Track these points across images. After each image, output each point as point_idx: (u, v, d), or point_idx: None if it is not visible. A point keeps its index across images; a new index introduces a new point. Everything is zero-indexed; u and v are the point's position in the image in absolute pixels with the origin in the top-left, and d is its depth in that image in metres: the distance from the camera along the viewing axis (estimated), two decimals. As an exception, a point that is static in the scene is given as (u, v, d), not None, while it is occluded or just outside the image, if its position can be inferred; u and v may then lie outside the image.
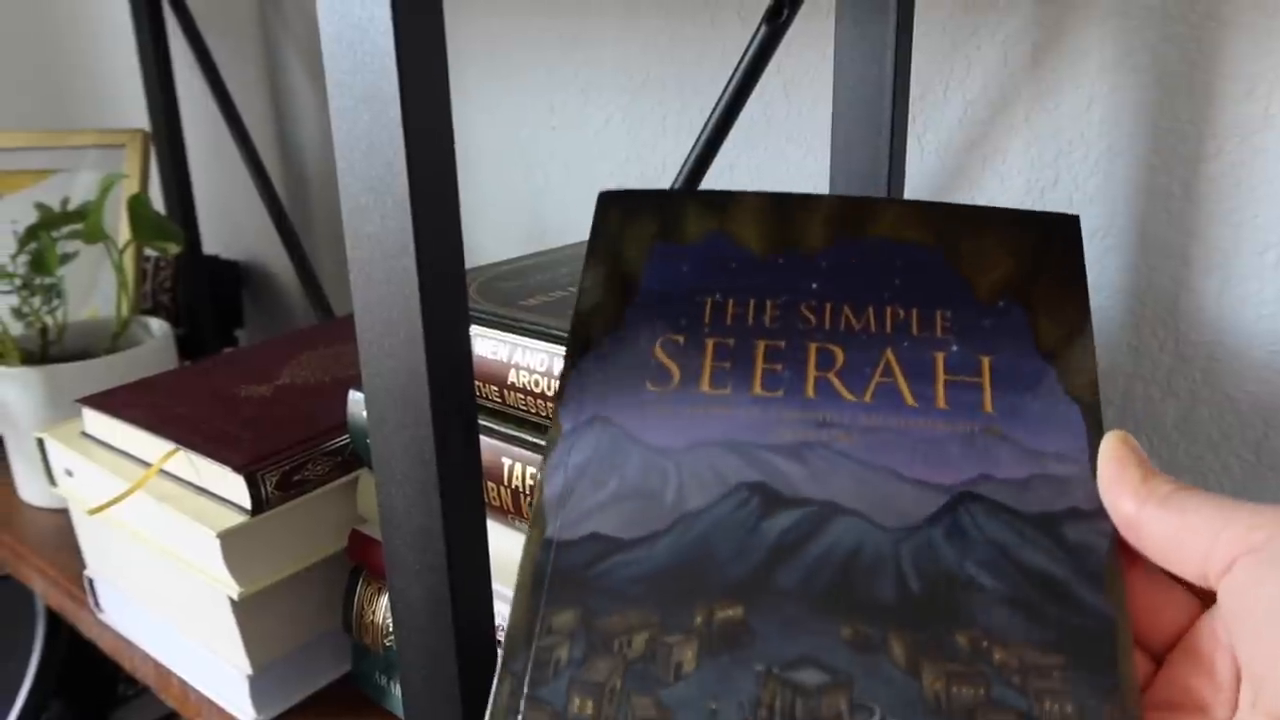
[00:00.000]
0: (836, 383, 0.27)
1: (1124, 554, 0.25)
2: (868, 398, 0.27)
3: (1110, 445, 0.25)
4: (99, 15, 1.20)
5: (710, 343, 0.28)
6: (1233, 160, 0.47)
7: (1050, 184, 0.53)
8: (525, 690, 0.22)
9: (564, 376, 0.28)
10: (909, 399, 0.27)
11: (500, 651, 0.24)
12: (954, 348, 0.28)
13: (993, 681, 0.22)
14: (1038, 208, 0.54)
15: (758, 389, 0.27)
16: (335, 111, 0.28)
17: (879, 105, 0.48)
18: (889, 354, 0.28)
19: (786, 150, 0.63)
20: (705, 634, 0.23)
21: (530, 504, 0.40)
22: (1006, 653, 0.22)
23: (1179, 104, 0.48)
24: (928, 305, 0.29)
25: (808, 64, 0.61)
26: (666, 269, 0.30)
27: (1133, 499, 0.24)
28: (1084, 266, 0.29)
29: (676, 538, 0.24)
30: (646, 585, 0.24)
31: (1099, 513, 0.25)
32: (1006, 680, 0.22)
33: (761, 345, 0.28)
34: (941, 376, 0.27)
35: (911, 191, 0.55)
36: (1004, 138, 0.54)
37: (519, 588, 0.24)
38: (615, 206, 0.32)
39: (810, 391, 0.27)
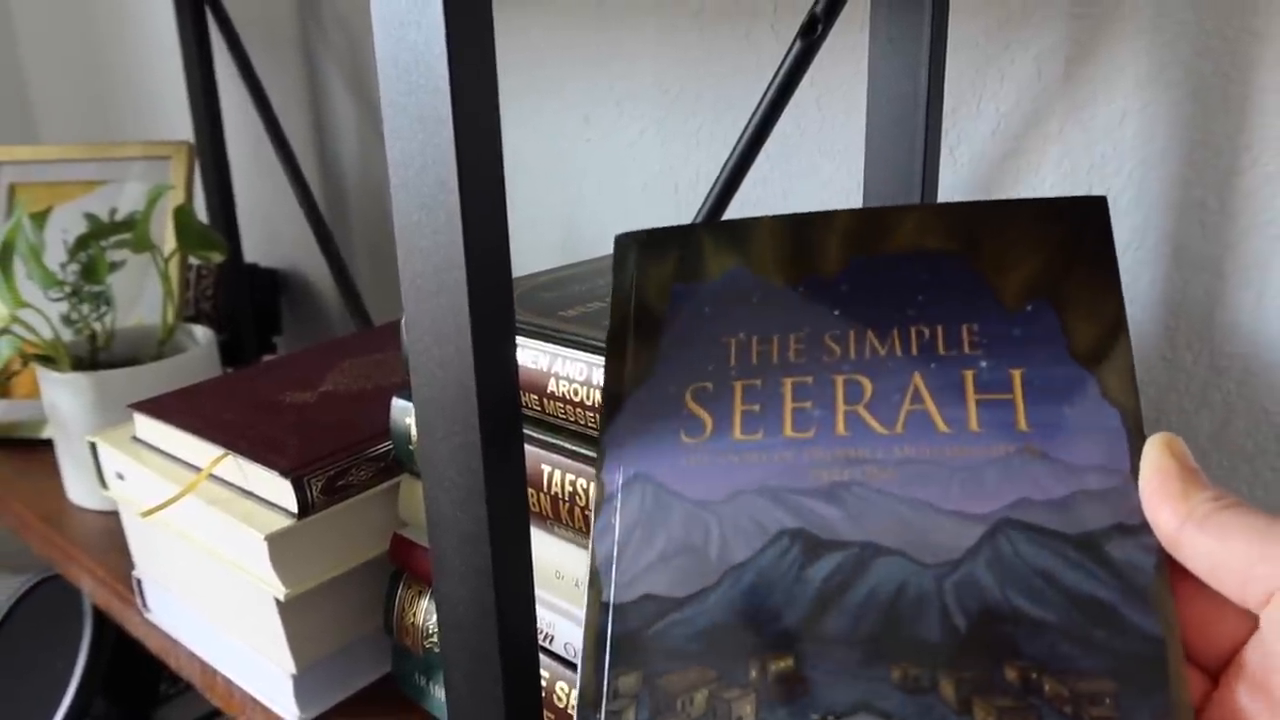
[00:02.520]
0: (866, 416, 0.27)
1: (1172, 567, 0.24)
2: (899, 428, 0.27)
3: (1152, 454, 0.25)
4: (145, 30, 1.23)
5: (738, 386, 0.28)
6: (1268, 173, 0.47)
7: (1083, 196, 0.53)
8: None
9: (601, 432, 0.29)
10: (941, 425, 0.26)
11: (575, 715, 0.25)
12: (983, 364, 0.27)
13: (1045, 714, 0.22)
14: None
15: (789, 430, 0.27)
16: (389, 132, 0.29)
17: (913, 118, 0.48)
18: (917, 378, 0.27)
19: (819, 162, 0.64)
20: (761, 687, 0.23)
21: (569, 509, 0.41)
22: (1057, 683, 0.22)
23: (1213, 118, 0.48)
24: (953, 319, 0.28)
25: (841, 77, 0.61)
26: (689, 311, 0.30)
27: (1173, 515, 0.23)
28: (1114, 253, 0.28)
29: (725, 592, 0.25)
30: (701, 642, 0.24)
31: (1144, 526, 0.24)
32: (1059, 711, 0.22)
33: (789, 383, 0.28)
34: (973, 396, 0.27)
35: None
36: (1037, 151, 0.55)
37: (584, 652, 0.25)
38: (632, 249, 0.31)
39: (841, 428, 0.27)
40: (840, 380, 0.28)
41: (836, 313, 0.29)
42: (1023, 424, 0.26)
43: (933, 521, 0.25)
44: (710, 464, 0.27)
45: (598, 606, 0.26)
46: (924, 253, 0.29)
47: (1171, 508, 0.23)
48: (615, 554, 0.26)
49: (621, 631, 0.25)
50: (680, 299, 0.30)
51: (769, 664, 0.24)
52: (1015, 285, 0.28)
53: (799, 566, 0.25)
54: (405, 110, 0.28)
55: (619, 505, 0.27)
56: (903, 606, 0.24)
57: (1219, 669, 0.24)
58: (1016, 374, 0.27)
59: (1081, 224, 0.29)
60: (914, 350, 0.28)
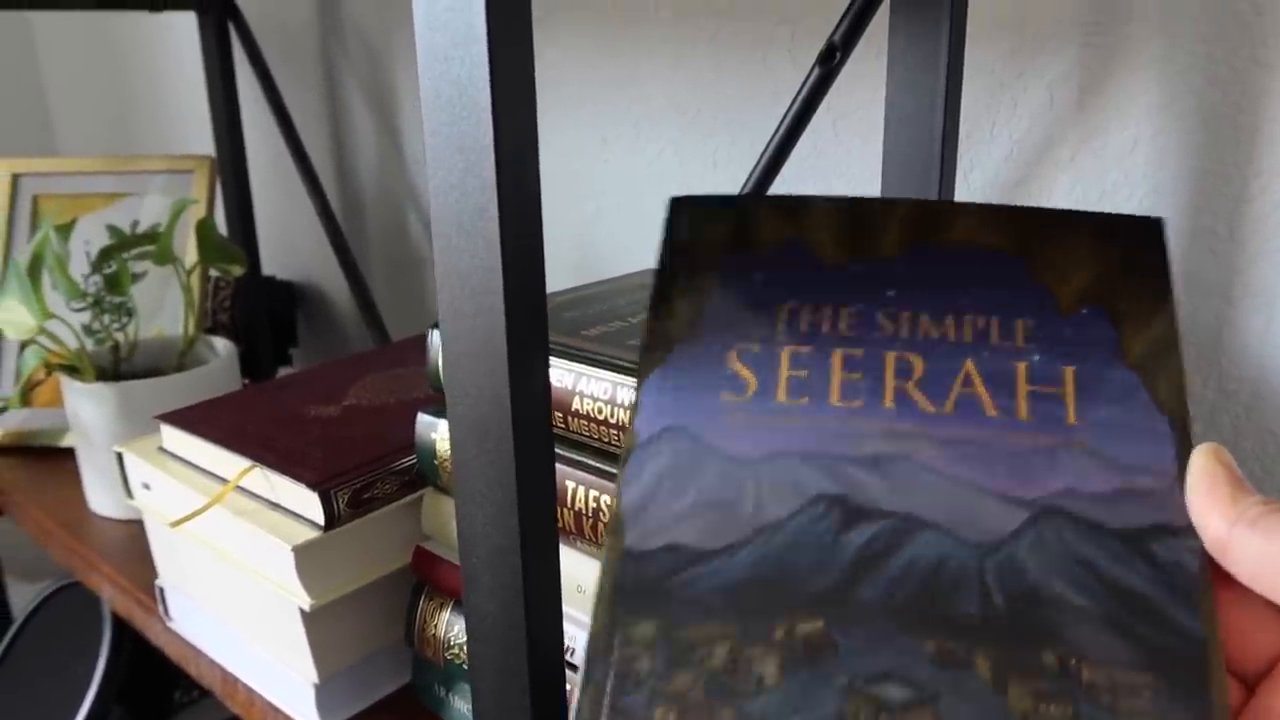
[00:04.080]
0: (916, 393, 0.27)
1: (1215, 574, 0.24)
2: (948, 408, 0.26)
3: (1200, 460, 0.25)
4: (167, 44, 1.25)
5: (786, 351, 0.28)
6: (1277, 200, 0.48)
7: (1095, 222, 0.55)
8: (608, 700, 0.23)
9: (639, 385, 0.28)
10: (990, 410, 0.26)
11: (582, 662, 0.24)
12: (1036, 358, 0.27)
13: (1081, 701, 0.22)
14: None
15: (835, 399, 0.27)
16: (431, 160, 0.30)
17: (929, 144, 0.49)
18: (969, 364, 0.27)
19: (835, 185, 0.65)
20: (787, 647, 0.23)
21: (591, 525, 0.42)
22: (1095, 672, 0.22)
23: (1223, 146, 0.49)
24: (1008, 314, 0.28)
25: (858, 102, 0.62)
26: (740, 276, 0.29)
27: (1222, 518, 0.23)
28: (1170, 273, 0.28)
29: (756, 549, 0.25)
30: (726, 597, 0.24)
31: (1189, 530, 0.24)
32: (1095, 700, 0.22)
33: (838, 354, 0.28)
34: (1024, 387, 0.27)
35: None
36: (1050, 177, 0.56)
37: (598, 598, 0.24)
38: (686, 213, 0.31)
39: (889, 401, 0.27)
40: (891, 356, 0.27)
41: (891, 293, 0.29)
42: (1072, 418, 0.26)
43: (977, 501, 0.25)
44: (750, 423, 0.27)
45: (618, 552, 0.25)
46: (982, 248, 0.29)
47: (1221, 510, 0.24)
48: (643, 502, 0.25)
49: (641, 579, 0.24)
50: (732, 262, 0.30)
51: (797, 625, 0.23)
52: (1071, 291, 0.28)
53: (836, 531, 0.25)
54: (447, 140, 0.29)
55: (650, 454, 0.26)
56: (942, 580, 0.24)
57: (1256, 679, 0.24)
58: (1069, 371, 0.27)
59: (1139, 241, 0.29)
60: (968, 337, 0.28)
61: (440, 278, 0.31)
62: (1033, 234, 0.29)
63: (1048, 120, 0.55)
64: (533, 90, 0.29)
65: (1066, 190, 0.55)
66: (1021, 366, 0.27)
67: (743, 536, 0.25)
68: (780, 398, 0.27)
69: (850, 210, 0.30)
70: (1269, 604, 0.23)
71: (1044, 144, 0.56)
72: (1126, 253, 0.29)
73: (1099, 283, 0.28)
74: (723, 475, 0.26)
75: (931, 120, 0.49)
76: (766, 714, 0.22)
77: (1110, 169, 0.53)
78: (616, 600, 0.24)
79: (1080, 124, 0.54)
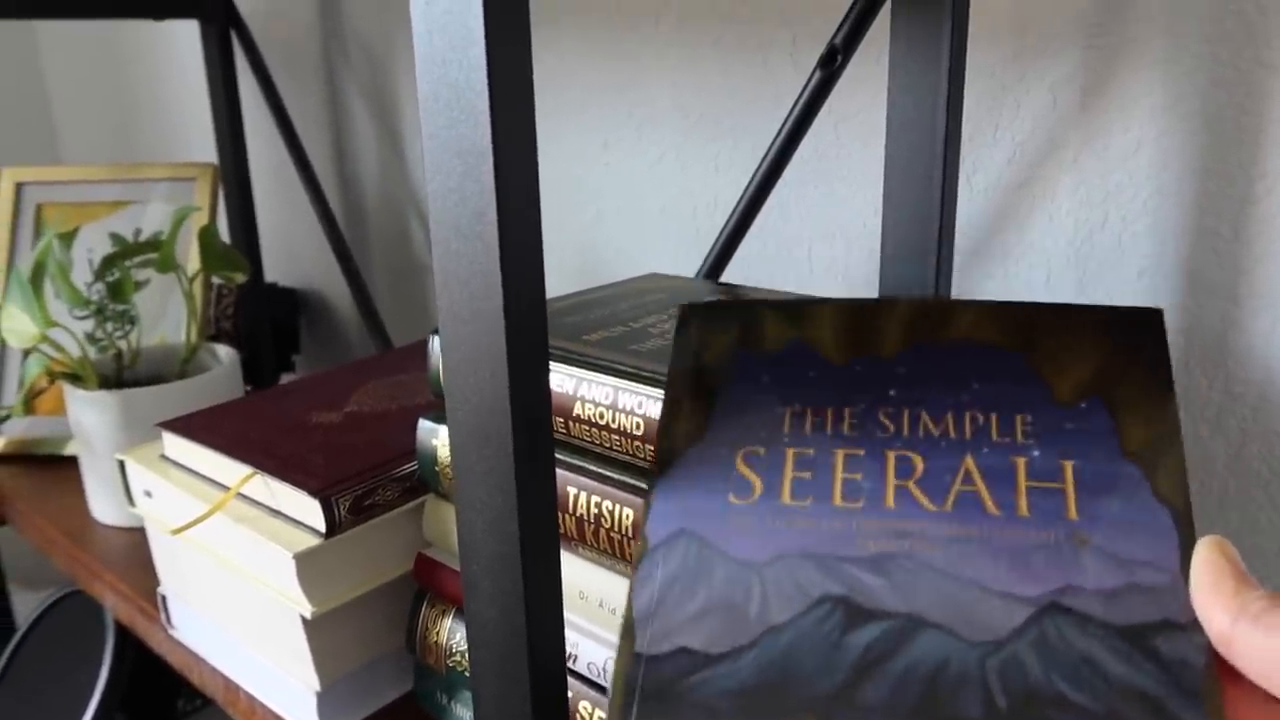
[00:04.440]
0: (917, 492, 0.27)
1: (1222, 669, 0.23)
2: (949, 506, 0.27)
3: (1203, 553, 0.24)
4: (170, 53, 1.25)
5: (790, 453, 0.29)
6: (1282, 203, 0.48)
7: (1099, 225, 0.54)
8: None
9: (649, 488, 0.29)
10: (991, 507, 0.26)
11: None
12: (1035, 453, 0.27)
13: None
14: (1086, 247, 0.55)
15: (838, 500, 0.27)
16: (430, 164, 0.30)
17: (931, 147, 0.49)
18: (969, 461, 0.27)
19: (836, 188, 0.65)
20: None
21: (593, 531, 0.42)
22: None
23: (1227, 147, 0.49)
24: (1007, 409, 0.28)
25: (859, 105, 0.62)
26: (747, 379, 0.31)
27: (1225, 612, 0.23)
28: (1169, 363, 0.28)
29: (762, 652, 0.25)
30: (735, 700, 0.24)
31: (1194, 625, 0.24)
32: None
33: (841, 454, 0.28)
34: (1024, 483, 0.27)
35: (960, 230, 0.56)
36: (1053, 178, 0.55)
37: (611, 703, 0.25)
38: (696, 318, 0.32)
39: (890, 501, 0.27)
40: (892, 455, 0.28)
41: (892, 392, 0.30)
42: (1073, 513, 0.26)
43: (979, 599, 0.25)
44: (756, 526, 0.27)
45: (630, 656, 0.25)
46: (981, 344, 0.30)
47: (1224, 604, 0.23)
48: (654, 605, 0.26)
49: (653, 683, 0.25)
50: (739, 366, 0.31)
51: None
52: (1070, 383, 0.29)
53: (839, 632, 0.25)
54: (445, 143, 0.29)
55: (661, 558, 0.27)
56: (944, 682, 0.24)
57: None
58: (1068, 465, 0.27)
59: (1138, 332, 0.29)
60: (967, 434, 0.28)
61: (439, 283, 0.31)
62: (1031, 328, 0.30)
63: (1050, 122, 0.55)
64: (531, 92, 0.29)
65: (1070, 191, 0.55)
66: (1021, 462, 0.27)
67: (750, 639, 0.25)
68: (785, 500, 0.28)
69: (852, 311, 0.32)
70: (1277, 700, 0.23)
71: (1047, 146, 0.55)
72: (1125, 344, 0.29)
73: (1098, 375, 0.29)
74: (730, 578, 0.26)
75: (934, 123, 0.49)
76: None
77: (1114, 170, 0.53)
78: (629, 704, 0.25)
79: (1083, 126, 0.54)
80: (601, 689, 0.43)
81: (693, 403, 0.30)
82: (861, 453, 0.28)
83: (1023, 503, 0.26)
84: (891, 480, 0.28)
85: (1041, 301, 0.32)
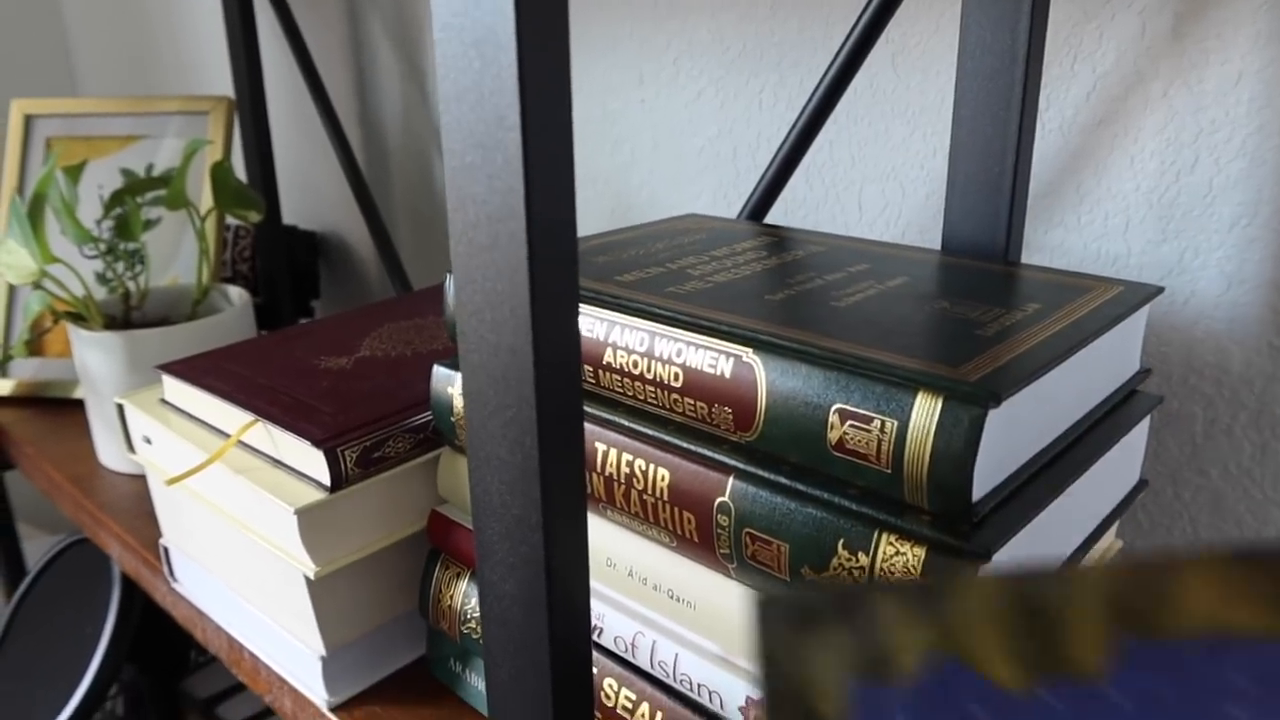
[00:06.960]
0: None
1: None
2: None
3: None
4: (186, -17, 1.21)
5: None
6: (1406, 143, 0.42)
7: (1188, 167, 0.49)
8: None
9: None
10: None
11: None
12: None
13: None
14: (1171, 192, 0.50)
15: None
16: (441, 58, 0.25)
17: (1008, 79, 0.44)
18: None
19: (893, 127, 0.59)
20: None
21: (623, 492, 0.38)
22: None
23: (1345, 80, 0.44)
24: None
25: (919, 34, 0.57)
26: None
27: None
28: None
29: None
30: None
31: None
32: None
33: None
34: None
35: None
36: (1137, 115, 0.50)
37: None
38: (782, 622, 0.20)
39: None
40: None
41: None
42: None
43: None
44: None
45: None
46: (1235, 634, 0.18)
47: None
48: None
49: None
50: (863, 706, 0.19)
51: None
52: None
53: None
54: (459, 32, 0.24)
55: None
56: None
57: None
58: None
59: None
60: None
61: (452, 204, 0.27)
62: None
63: (1137, 52, 0.49)
64: (563, -27, 0.24)
65: (1156, 131, 0.49)
66: None
67: None
68: None
69: (1015, 590, 0.18)
70: None
71: (1133, 79, 0.50)
72: None
73: None
74: None
75: (1013, 52, 0.44)
76: None
77: (1209, 106, 0.48)
78: None
79: (1175, 56, 0.48)
80: (629, 665, 0.39)
81: None
82: None
83: None
84: None
85: None
